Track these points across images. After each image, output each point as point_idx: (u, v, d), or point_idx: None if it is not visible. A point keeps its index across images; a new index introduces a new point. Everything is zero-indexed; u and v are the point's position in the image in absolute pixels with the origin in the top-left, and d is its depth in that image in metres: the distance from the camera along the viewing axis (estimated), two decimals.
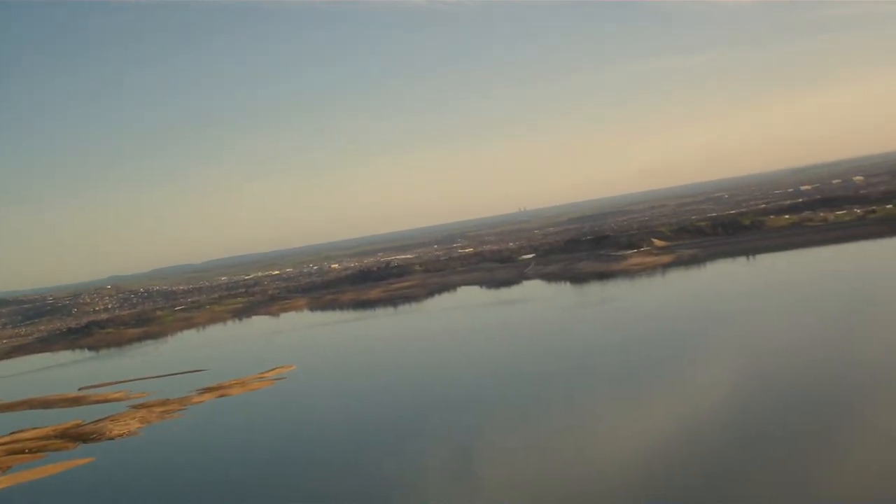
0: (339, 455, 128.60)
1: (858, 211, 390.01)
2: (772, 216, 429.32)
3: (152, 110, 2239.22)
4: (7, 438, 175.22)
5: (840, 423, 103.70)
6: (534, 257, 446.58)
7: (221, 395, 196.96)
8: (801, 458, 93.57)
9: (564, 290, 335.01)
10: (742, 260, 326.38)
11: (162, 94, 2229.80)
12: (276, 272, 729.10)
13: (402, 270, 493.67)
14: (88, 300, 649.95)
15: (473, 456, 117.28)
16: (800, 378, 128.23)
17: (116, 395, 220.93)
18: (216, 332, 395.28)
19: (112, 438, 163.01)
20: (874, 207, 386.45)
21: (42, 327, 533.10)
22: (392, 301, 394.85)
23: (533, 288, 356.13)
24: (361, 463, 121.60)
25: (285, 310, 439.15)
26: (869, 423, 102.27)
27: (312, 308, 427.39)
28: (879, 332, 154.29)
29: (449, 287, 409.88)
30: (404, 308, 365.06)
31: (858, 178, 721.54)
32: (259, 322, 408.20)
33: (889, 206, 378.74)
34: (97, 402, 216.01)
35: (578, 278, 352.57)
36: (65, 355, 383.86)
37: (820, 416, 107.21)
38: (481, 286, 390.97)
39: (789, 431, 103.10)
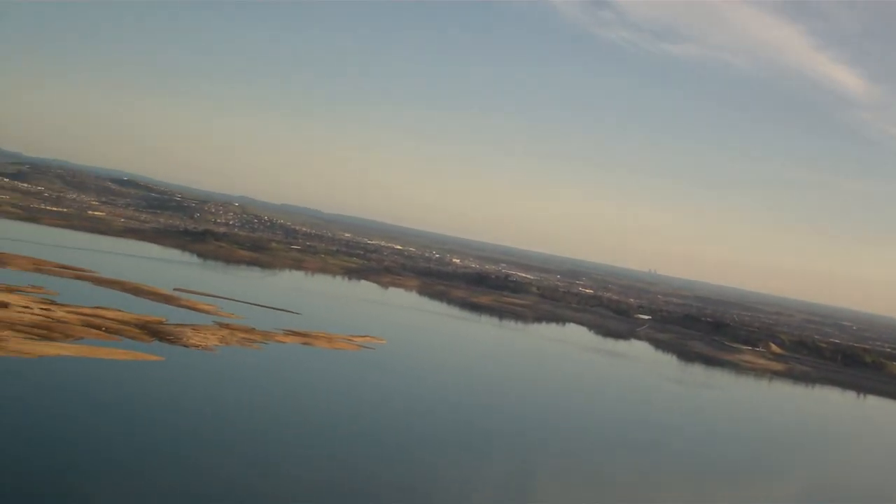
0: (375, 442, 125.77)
1: None
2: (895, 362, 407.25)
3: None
4: (89, 311, 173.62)
5: None
6: (649, 320, 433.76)
7: (305, 343, 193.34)
8: None
9: (669, 361, 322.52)
10: (852, 395, 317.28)
11: None
12: (399, 247, 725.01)
13: (518, 287, 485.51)
14: (213, 210, 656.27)
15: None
16: None
17: (206, 307, 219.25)
18: (323, 282, 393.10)
19: (187, 346, 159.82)
20: None
21: (161, 220, 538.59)
22: (499, 312, 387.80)
23: (639, 348, 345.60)
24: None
25: (395, 284, 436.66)
26: None
27: (421, 292, 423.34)
28: None
29: (558, 319, 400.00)
30: (509, 324, 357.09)
31: None
32: (366, 287, 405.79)
33: None
34: (186, 306, 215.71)
35: (686, 355, 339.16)
36: (173, 253, 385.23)
37: None
38: (590, 329, 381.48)
39: None
